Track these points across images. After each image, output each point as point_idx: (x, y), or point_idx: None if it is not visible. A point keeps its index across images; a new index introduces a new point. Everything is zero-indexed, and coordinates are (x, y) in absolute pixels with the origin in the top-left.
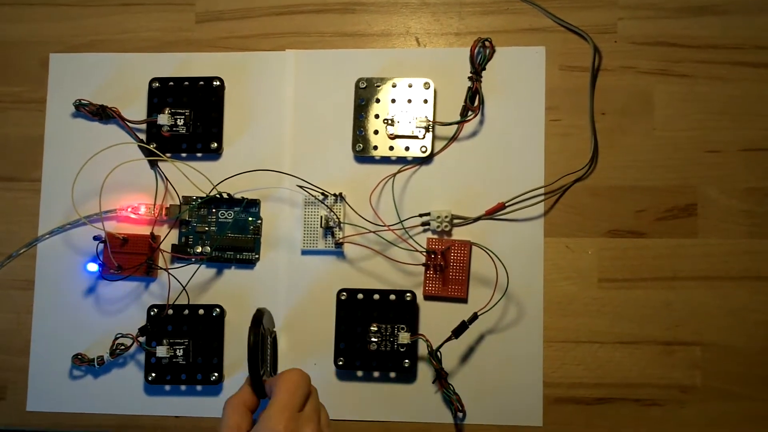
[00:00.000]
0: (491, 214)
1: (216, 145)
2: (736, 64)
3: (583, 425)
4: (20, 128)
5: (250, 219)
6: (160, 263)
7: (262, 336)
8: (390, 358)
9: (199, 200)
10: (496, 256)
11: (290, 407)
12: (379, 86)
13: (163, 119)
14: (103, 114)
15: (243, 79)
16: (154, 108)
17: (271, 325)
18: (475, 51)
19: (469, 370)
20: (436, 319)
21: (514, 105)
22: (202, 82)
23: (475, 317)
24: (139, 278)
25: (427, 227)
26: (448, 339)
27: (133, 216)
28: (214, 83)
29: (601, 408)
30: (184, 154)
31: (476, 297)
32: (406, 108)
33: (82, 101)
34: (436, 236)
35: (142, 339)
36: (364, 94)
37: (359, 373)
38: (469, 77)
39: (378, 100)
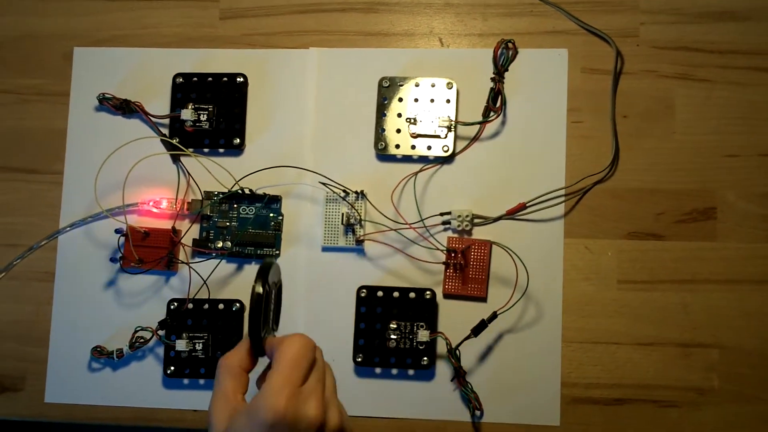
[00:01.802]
0: (512, 214)
1: (238, 141)
2: (756, 69)
3: (600, 425)
4: (43, 121)
5: (272, 215)
6: (181, 257)
7: (266, 294)
8: (409, 355)
9: (221, 195)
10: (516, 255)
11: (291, 382)
12: (402, 85)
13: (187, 114)
14: (126, 108)
15: (266, 76)
16: (177, 103)
17: (277, 276)
18: (498, 52)
19: (488, 368)
20: (455, 318)
21: (536, 106)
22: (225, 78)
23: (494, 316)
24: (160, 272)
25: (447, 226)
26: (468, 337)
27: (154, 210)
28: (238, 80)
29: (618, 408)
30: (206, 150)
31: (496, 296)
32: (429, 107)
33: (106, 95)
34: (456, 235)
35: (161, 332)
36: (387, 93)
37: (378, 370)
38: (491, 78)
39: (401, 99)
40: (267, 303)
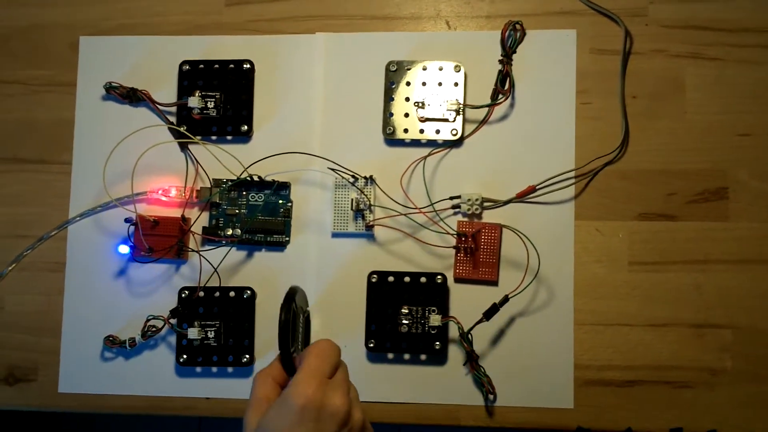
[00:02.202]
0: (522, 197)
1: (246, 127)
2: (767, 47)
3: (613, 407)
4: (51, 111)
5: (281, 202)
6: (191, 245)
7: (294, 313)
8: (421, 340)
9: (230, 183)
10: (527, 238)
11: (319, 373)
12: (409, 69)
13: (194, 102)
14: (133, 97)
15: (273, 62)
16: (184, 91)
17: (305, 304)
18: (506, 34)
19: (500, 352)
20: (466, 302)
21: (544, 88)
22: (232, 65)
23: (506, 300)
24: (170, 260)
25: (457, 210)
26: (479, 321)
27: (163, 198)
28: (244, 66)
29: (631, 390)
30: (214, 137)
31: (507, 280)
32: (437, 91)
33: (113, 84)
34: (466, 219)
35: (173, 321)
36: (395, 77)
37: (390, 356)
38: (499, 60)
39: (408, 83)
40: (295, 322)
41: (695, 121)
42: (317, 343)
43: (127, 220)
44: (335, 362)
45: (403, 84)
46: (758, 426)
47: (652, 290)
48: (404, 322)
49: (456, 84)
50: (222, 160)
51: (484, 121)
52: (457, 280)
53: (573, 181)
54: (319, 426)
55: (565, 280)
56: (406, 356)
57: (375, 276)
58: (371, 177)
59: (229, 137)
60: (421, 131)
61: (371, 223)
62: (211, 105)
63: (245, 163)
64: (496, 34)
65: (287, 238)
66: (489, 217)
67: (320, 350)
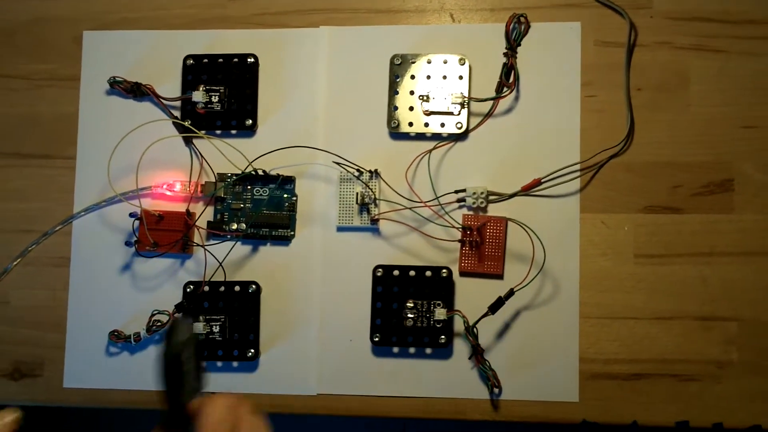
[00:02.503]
0: (527, 191)
1: (251, 122)
2: None
3: (619, 400)
4: (54, 105)
5: (286, 196)
6: (196, 240)
7: (174, 357)
8: (426, 334)
9: (235, 177)
10: (532, 231)
11: None
12: (413, 62)
13: (198, 96)
14: (137, 91)
15: (277, 56)
16: (188, 85)
17: (189, 331)
18: (510, 27)
19: (506, 346)
20: (472, 296)
21: (549, 81)
22: (236, 59)
23: (511, 293)
24: (175, 255)
25: (462, 203)
26: (485, 315)
27: (168, 193)
28: (249, 60)
29: (637, 383)
30: (218, 131)
31: (512, 273)
32: (441, 84)
33: (117, 78)
34: (471, 212)
35: (178, 315)
36: (399, 71)
37: (395, 350)
38: (504, 53)
39: (413, 77)
40: (179, 366)
41: (700, 113)
42: (208, 414)
43: (131, 215)
44: (231, 426)
45: (407, 77)
46: (765, 419)
47: (657, 283)
48: (409, 316)
49: (461, 77)
50: (226, 155)
51: (488, 114)
52: (463, 273)
53: (578, 173)
54: None
55: (571, 274)
56: (412, 350)
57: (380, 270)
58: (376, 171)
59: (233, 131)
60: (426, 125)
61: (376, 216)
62: (215, 99)
63: (250, 158)
64: (501, 27)
65: (292, 233)
66: (494, 210)
67: (212, 423)
